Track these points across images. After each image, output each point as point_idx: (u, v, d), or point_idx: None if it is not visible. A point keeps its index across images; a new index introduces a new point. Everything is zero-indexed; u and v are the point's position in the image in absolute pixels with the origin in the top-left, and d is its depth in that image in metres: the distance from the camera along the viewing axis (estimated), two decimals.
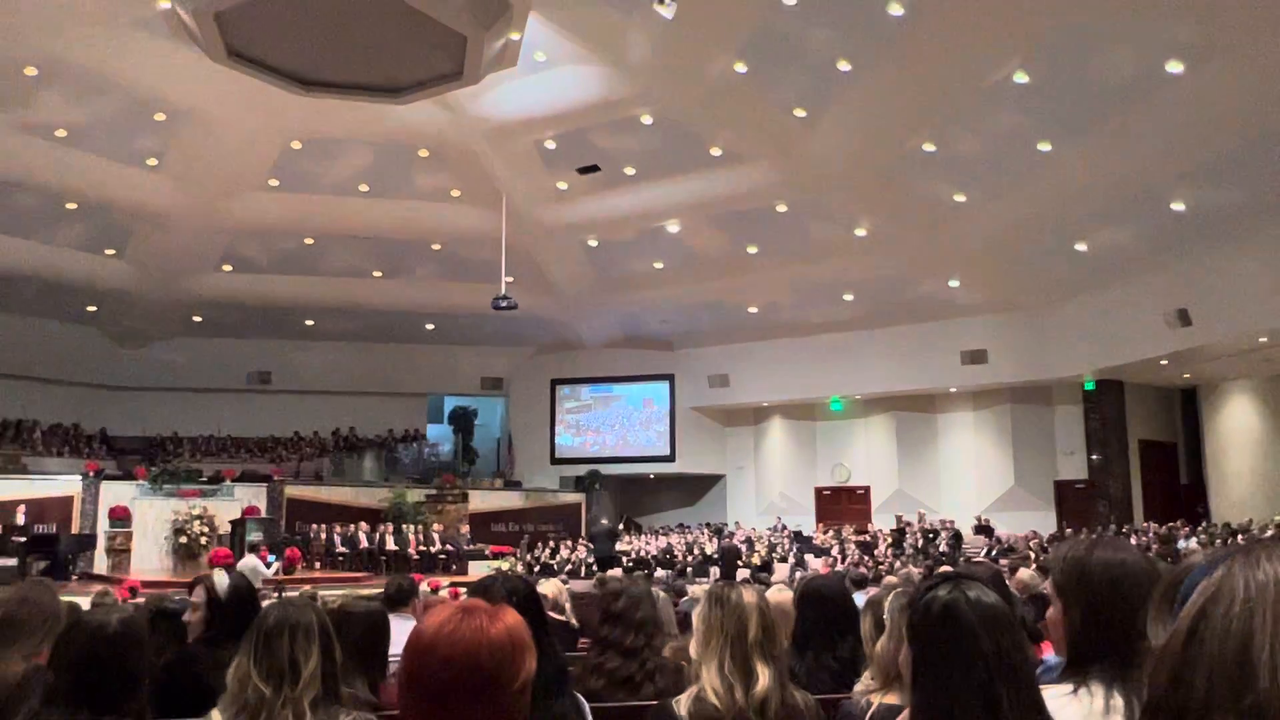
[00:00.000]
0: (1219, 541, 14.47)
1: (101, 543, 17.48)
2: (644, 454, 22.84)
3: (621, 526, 21.76)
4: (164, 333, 22.14)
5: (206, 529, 17.97)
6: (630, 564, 17.67)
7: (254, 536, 17.11)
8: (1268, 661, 0.64)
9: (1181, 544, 14.37)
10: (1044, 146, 13.51)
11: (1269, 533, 14.90)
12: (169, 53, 13.61)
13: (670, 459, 22.60)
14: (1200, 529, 16.14)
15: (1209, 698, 0.65)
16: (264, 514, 18.89)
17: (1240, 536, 13.80)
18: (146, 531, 17.85)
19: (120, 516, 17.82)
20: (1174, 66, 11.23)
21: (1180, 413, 19.51)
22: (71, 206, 17.27)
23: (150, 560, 17.37)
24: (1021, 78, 12.14)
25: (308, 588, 7.49)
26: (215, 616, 3.51)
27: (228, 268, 20.16)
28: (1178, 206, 13.93)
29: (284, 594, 6.56)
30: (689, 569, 17.04)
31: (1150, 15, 10.56)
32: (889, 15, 11.53)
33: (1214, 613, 0.68)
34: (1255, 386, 19.41)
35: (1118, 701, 1.64)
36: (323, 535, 19.21)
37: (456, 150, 16.90)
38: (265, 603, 4.24)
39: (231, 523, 17.95)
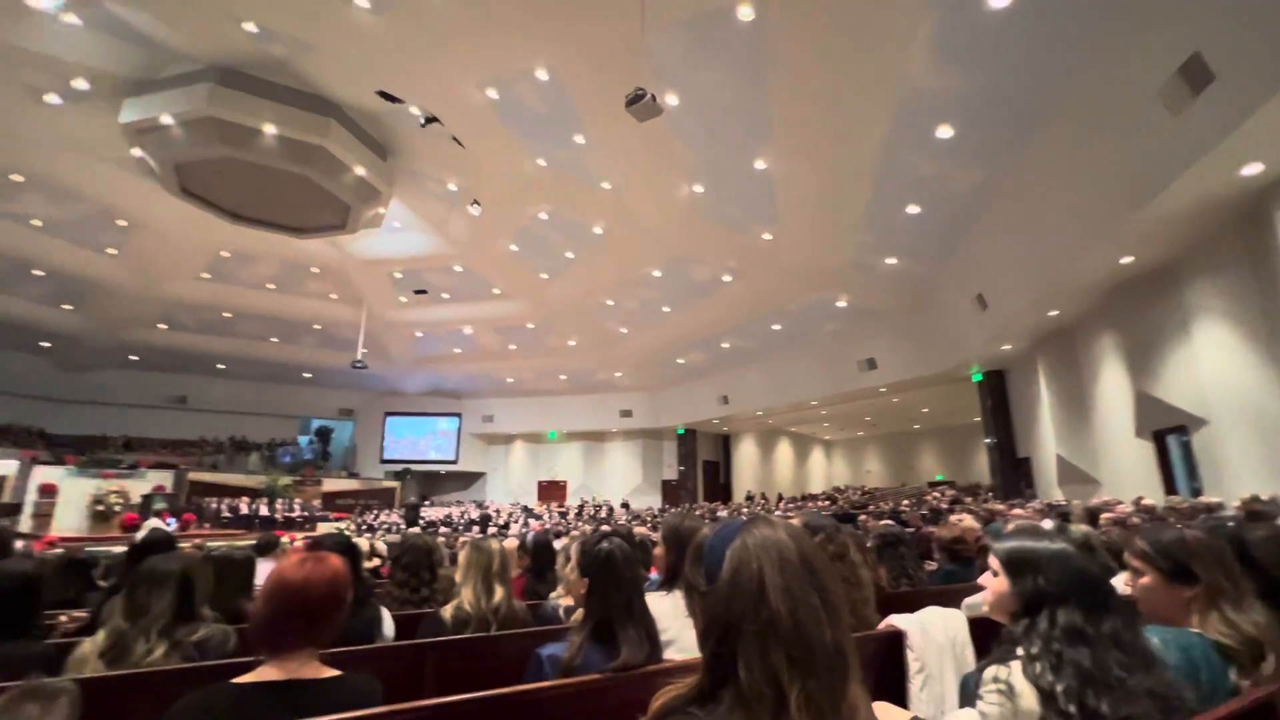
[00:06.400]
0: (741, 510, 15.80)
1: (28, 509, 13.49)
2: (440, 458, 21.27)
3: (423, 500, 19.97)
4: (104, 364, 17.67)
5: (121, 500, 14.31)
6: (425, 524, 16.22)
7: (158, 505, 13.89)
8: (771, 590, 0.68)
9: (719, 513, 15.52)
10: (666, 309, 14.56)
11: (759, 506, 16.49)
12: (137, 181, 11.26)
13: (455, 462, 21.19)
14: (729, 504, 17.54)
15: (743, 613, 0.69)
16: (169, 491, 15.41)
17: (745, 509, 15.12)
18: (70, 502, 13.87)
19: (48, 491, 13.86)
20: (726, 278, 12.63)
21: (721, 446, 21.26)
22: (38, 273, 13.58)
23: (72, 522, 13.52)
24: (657, 273, 13.09)
25: (198, 541, 6.11)
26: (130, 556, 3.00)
27: (163, 326, 16.59)
28: (725, 345, 15.51)
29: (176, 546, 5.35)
30: (461, 527, 15.93)
31: (712, 251, 11.85)
32: (594, 232, 12.04)
33: (741, 567, 0.72)
34: (754, 435, 21.73)
35: (682, 601, 1.72)
36: (214, 505, 15.96)
37: (337, 271, 15.23)
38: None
39: (143, 496, 14.47)
